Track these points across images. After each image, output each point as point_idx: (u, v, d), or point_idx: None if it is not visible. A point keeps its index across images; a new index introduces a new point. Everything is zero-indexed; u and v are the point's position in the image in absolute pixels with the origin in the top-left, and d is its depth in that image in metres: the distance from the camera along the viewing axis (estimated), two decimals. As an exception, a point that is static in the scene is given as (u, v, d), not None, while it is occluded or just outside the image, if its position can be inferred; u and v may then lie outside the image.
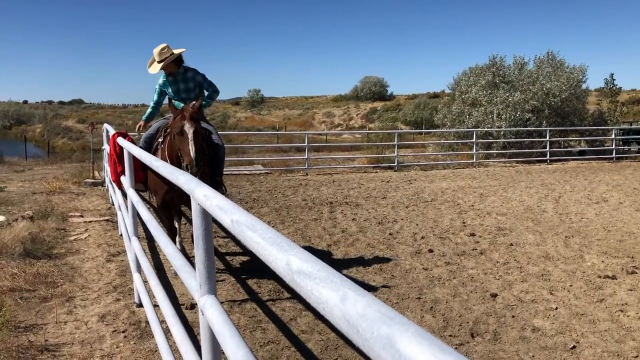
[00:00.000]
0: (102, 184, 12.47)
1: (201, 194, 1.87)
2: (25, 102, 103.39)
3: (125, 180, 5.29)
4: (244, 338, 1.65)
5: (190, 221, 7.26)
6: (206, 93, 6.15)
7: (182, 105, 5.56)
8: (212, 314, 1.86)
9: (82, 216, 9.16)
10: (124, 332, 4.47)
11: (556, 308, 5.18)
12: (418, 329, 0.68)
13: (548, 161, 19.80)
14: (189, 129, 4.94)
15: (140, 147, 5.92)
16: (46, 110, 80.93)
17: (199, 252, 1.99)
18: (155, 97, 6.24)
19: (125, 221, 5.71)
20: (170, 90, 6.11)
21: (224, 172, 6.55)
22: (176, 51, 5.92)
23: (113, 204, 9.20)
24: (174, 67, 5.96)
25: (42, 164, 20.81)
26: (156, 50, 5.82)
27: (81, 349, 4.12)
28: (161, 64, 5.80)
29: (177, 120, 5.09)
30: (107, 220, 8.89)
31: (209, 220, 1.98)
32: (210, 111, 62.60)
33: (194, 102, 5.39)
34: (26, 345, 4.12)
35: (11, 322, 4.49)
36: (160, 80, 6.17)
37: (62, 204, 10.24)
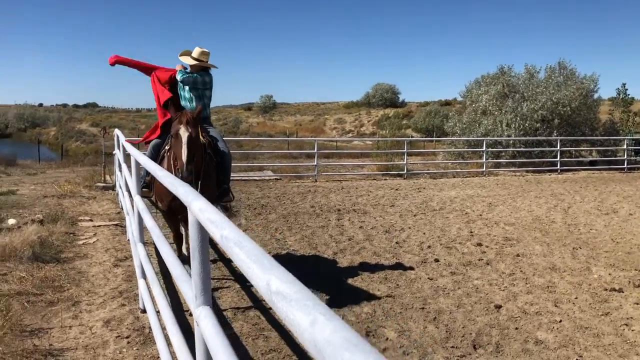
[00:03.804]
0: (113, 188, 12.58)
1: (197, 206, 1.90)
2: (41, 104, 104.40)
3: (132, 186, 5.35)
4: (235, 352, 1.68)
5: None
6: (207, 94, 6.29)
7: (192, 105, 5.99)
8: (205, 325, 1.88)
9: (91, 220, 9.25)
10: (127, 337, 4.51)
11: (560, 321, 5.16)
12: (378, 357, 0.70)
13: (558, 171, 19.68)
14: (183, 133, 5.10)
15: (150, 152, 6.05)
16: (60, 113, 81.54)
17: (194, 264, 2.02)
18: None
19: (131, 226, 5.77)
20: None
21: (234, 178, 6.64)
22: (211, 62, 6.27)
23: (123, 208, 9.28)
24: (199, 70, 6.19)
25: (54, 167, 21.04)
26: (198, 50, 6.16)
27: (85, 354, 4.17)
28: (193, 62, 6.12)
29: (175, 124, 5.25)
30: (116, 224, 8.97)
31: (205, 233, 2.01)
32: (222, 116, 62.95)
33: (194, 109, 5.56)
34: (31, 349, 4.17)
35: (17, 325, 4.55)
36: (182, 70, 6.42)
37: (72, 207, 10.34)
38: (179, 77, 6.11)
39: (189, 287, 2.26)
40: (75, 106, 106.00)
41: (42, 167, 21.03)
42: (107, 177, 13.88)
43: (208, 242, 2.05)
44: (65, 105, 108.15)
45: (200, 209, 1.85)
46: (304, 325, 0.85)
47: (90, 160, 23.07)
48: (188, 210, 2.05)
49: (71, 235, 8.06)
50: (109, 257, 7.01)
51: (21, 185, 13.51)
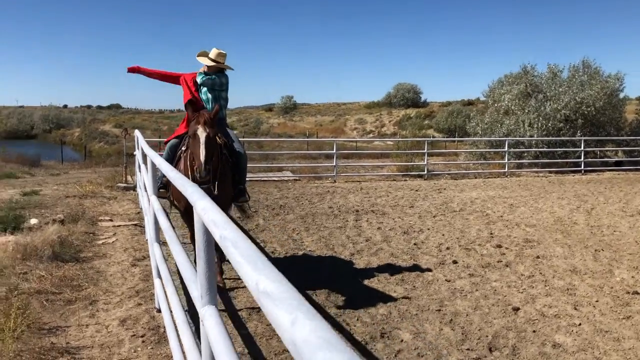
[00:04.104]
0: (134, 188, 12.71)
1: (200, 206, 1.90)
2: (65, 106, 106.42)
3: (148, 187, 5.39)
4: (237, 351, 1.67)
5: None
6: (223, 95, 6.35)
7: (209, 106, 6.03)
8: (210, 324, 1.88)
9: (111, 220, 9.36)
10: (142, 336, 4.55)
11: (579, 324, 5.07)
12: (353, 357, 0.69)
13: (582, 171, 19.35)
14: (201, 133, 5.13)
15: (167, 153, 6.09)
16: (85, 114, 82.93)
17: (200, 263, 2.03)
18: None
19: (148, 226, 5.82)
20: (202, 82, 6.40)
21: (253, 179, 6.66)
22: (227, 64, 6.30)
23: (142, 209, 9.36)
24: (216, 71, 6.23)
25: (77, 167, 21.36)
26: (215, 52, 6.20)
27: (100, 352, 4.22)
28: (211, 63, 6.16)
29: (192, 124, 5.28)
30: (136, 224, 9.07)
31: (210, 233, 2.01)
32: (244, 117, 63.32)
33: (212, 109, 5.59)
34: (48, 347, 4.23)
35: (35, 323, 4.62)
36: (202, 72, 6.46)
37: (93, 207, 10.48)
38: (198, 79, 6.17)
39: (195, 287, 2.27)
40: (99, 107, 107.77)
41: (65, 168, 21.39)
42: (129, 178, 14.05)
43: (213, 242, 2.05)
44: (89, 107, 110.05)
45: (203, 208, 1.85)
46: (285, 324, 0.84)
47: (113, 161, 23.36)
48: (194, 210, 2.05)
49: (91, 235, 8.17)
50: (127, 257, 7.08)
51: (44, 185, 13.74)
